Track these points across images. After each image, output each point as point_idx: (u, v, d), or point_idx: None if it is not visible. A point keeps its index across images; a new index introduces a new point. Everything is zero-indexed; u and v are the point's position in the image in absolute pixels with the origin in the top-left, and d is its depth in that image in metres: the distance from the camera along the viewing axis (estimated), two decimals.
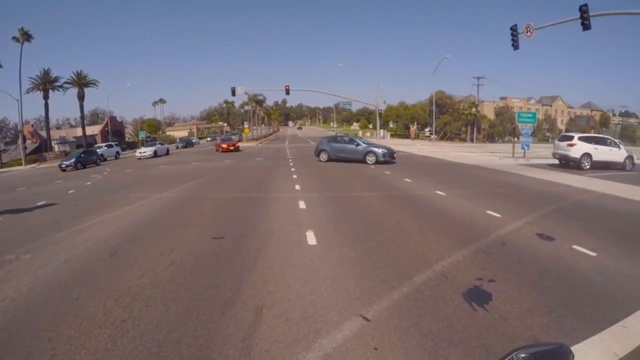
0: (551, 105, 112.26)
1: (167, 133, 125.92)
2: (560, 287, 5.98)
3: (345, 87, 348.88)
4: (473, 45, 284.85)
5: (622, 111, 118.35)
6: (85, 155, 43.55)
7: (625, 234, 9.07)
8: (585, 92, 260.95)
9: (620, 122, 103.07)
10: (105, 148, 56.29)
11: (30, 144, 78.57)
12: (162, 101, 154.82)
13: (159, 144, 55.43)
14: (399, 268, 6.91)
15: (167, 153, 52.91)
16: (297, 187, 17.16)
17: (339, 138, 31.82)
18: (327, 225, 10.36)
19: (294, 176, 21.15)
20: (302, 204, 13.01)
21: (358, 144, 28.37)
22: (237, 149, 49.99)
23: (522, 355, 1.18)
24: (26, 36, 69.78)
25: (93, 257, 8.57)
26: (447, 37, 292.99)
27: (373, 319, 5.05)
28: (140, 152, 49.85)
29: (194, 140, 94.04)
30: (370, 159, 26.66)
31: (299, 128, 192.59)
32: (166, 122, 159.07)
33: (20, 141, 67.53)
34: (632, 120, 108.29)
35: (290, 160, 32.78)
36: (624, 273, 6.58)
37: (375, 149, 27.21)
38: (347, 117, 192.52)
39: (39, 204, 16.61)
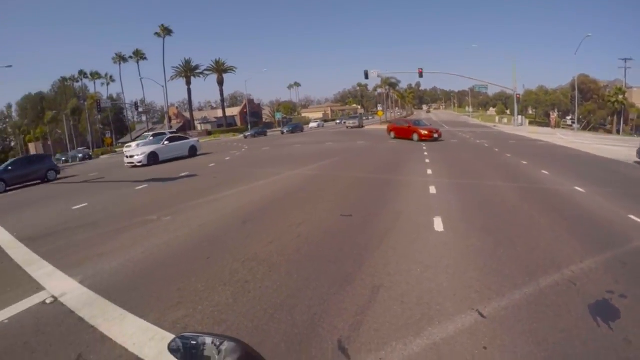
0: None
1: (303, 114, 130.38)
2: None
3: (480, 70, 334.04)
4: (619, 22, 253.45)
5: None
6: (15, 169, 24.70)
7: None
8: None
9: None
10: (152, 139, 34.25)
11: (175, 124, 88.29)
12: (297, 84, 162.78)
13: (166, 140, 30.99)
14: (525, 266, 6.46)
15: (193, 153, 31.73)
16: (429, 171, 16.90)
17: None
18: (456, 212, 10.04)
19: (427, 160, 20.81)
20: (432, 189, 12.77)
21: None
22: (440, 137, 35.38)
23: None
24: (167, 31, 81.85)
25: (226, 223, 9.30)
26: (589, 14, 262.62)
27: (489, 317, 4.80)
28: (128, 156, 29.38)
29: (317, 124, 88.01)
30: None
31: (428, 112, 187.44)
32: (301, 104, 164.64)
33: (166, 121, 77.90)
34: None
35: (423, 144, 31.95)
36: None
37: None
38: (483, 101, 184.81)
39: (181, 174, 18.21)
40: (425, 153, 24.58)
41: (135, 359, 4.24)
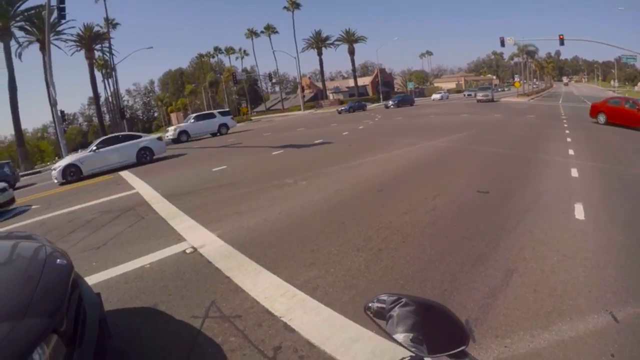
0: None
1: (435, 84, 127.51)
2: None
3: (629, 38, 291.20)
4: None
5: None
6: None
7: None
8: None
9: None
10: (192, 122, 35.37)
11: (308, 94, 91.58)
12: (428, 53, 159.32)
13: (96, 145, 22.00)
14: None
15: (148, 158, 22.47)
16: (571, 151, 15.64)
17: None
18: (599, 200, 9.19)
19: (568, 139, 19.29)
20: (574, 172, 11.84)
21: None
22: None
23: None
24: (295, 5, 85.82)
25: (361, 190, 9.55)
26: None
27: (622, 321, 4.35)
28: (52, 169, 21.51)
29: (440, 95, 79.32)
30: None
31: (566, 85, 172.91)
32: (433, 73, 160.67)
33: (299, 91, 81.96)
34: None
35: (564, 120, 29.64)
36: None
37: None
38: (630, 74, 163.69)
39: (316, 142, 18.80)
40: (567, 131, 22.75)
41: (265, 312, 4.57)
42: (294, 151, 16.99)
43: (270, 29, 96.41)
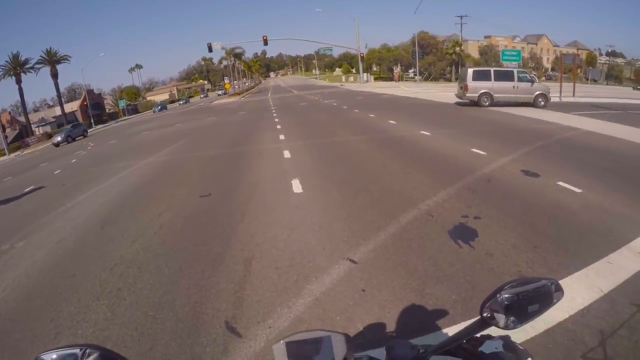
0: (536, 44, 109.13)
1: (148, 98, 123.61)
2: (545, 223, 5.96)
3: (325, 33, 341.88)
4: None
5: (609, 51, 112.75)
6: None
7: (610, 171, 8.79)
8: (571, 31, 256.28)
9: (607, 62, 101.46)
10: None
11: (10, 132, 75.98)
12: (138, 67, 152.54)
13: None
14: (384, 209, 7.03)
15: None
16: (282, 137, 17.28)
17: None
18: (313, 171, 10.46)
19: (278, 126, 21.21)
20: (286, 153, 13.11)
21: None
22: None
23: (506, 296, 1.12)
24: None
25: (85, 231, 8.61)
26: None
27: (360, 261, 5.15)
28: None
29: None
30: None
31: (267, 78, 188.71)
32: (145, 87, 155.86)
33: None
34: (619, 61, 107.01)
35: (273, 111, 32.51)
36: (608, 210, 6.43)
37: None
38: (329, 63, 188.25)
39: (26, 190, 16.45)
40: (276, 119, 25.05)
41: None
42: (2, 208, 14.46)
43: None
